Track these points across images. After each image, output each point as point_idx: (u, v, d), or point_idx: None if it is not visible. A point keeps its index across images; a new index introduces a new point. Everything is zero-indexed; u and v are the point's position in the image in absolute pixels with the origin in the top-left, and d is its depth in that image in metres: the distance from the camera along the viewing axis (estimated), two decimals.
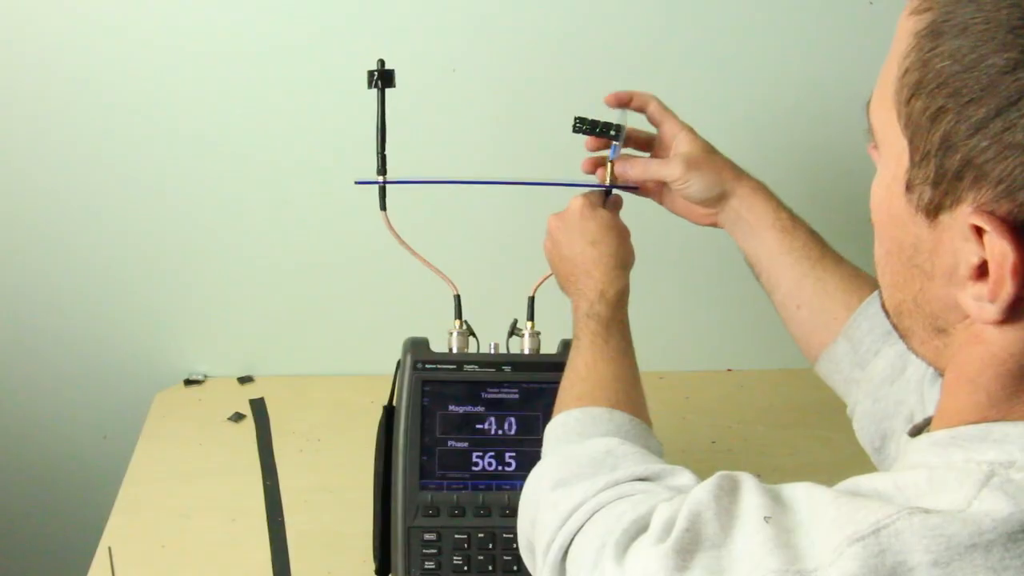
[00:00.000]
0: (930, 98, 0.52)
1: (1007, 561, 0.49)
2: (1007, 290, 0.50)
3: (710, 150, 0.97)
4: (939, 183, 0.52)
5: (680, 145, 0.96)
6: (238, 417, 1.33)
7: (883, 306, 0.63)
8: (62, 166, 1.29)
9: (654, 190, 1.00)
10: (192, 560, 1.09)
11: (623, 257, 0.94)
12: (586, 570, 0.65)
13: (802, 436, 1.31)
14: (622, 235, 0.95)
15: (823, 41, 1.28)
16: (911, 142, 0.54)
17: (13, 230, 1.33)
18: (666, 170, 0.95)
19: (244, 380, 1.42)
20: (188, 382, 1.41)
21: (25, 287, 1.37)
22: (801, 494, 0.57)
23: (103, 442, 1.47)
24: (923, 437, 0.57)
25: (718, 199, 0.96)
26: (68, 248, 1.35)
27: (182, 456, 1.26)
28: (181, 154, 1.29)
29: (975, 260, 0.52)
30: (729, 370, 1.46)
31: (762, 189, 0.96)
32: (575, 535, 0.69)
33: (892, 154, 0.56)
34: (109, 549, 1.09)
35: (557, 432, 0.83)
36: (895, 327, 0.62)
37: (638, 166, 0.97)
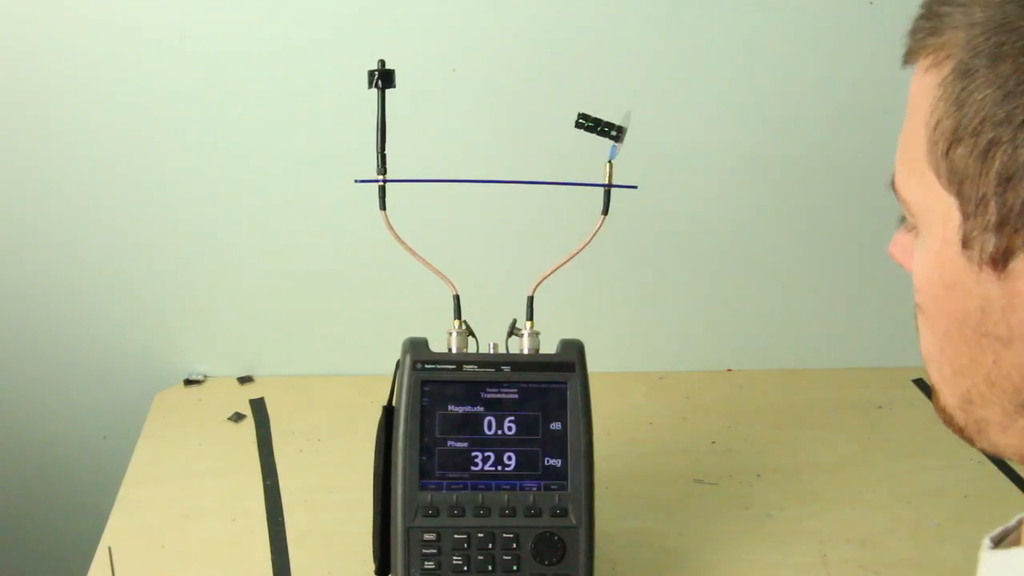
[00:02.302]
0: (975, 136, 0.48)
1: None
2: None
3: None
4: (1004, 224, 0.48)
5: None
6: (238, 417, 1.34)
7: (940, 411, 0.57)
8: (61, 166, 1.29)
9: None
10: (192, 560, 1.09)
11: None
12: None
13: (802, 436, 1.31)
14: None
15: (823, 41, 1.28)
16: (960, 193, 0.49)
17: (13, 230, 1.33)
18: None
19: (244, 380, 1.42)
20: (188, 382, 1.41)
21: (25, 287, 1.37)
22: None
23: (103, 442, 1.47)
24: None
25: None
26: (68, 248, 1.35)
27: (182, 456, 1.26)
28: (181, 154, 1.29)
29: None
30: (729, 370, 1.46)
31: None
32: None
33: (936, 219, 0.52)
34: (109, 549, 1.09)
35: None
36: (960, 431, 0.56)
37: None
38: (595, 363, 1.00)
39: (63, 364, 1.42)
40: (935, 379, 0.56)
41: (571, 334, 1.01)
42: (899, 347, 1.43)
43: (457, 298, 1.02)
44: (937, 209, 0.51)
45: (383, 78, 0.98)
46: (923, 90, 0.52)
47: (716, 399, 1.39)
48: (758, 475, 1.23)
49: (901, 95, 1.39)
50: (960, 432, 0.56)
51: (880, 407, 1.37)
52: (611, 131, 0.97)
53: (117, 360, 1.42)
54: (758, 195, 1.36)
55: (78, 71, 1.24)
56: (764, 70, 1.30)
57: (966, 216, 0.49)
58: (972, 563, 1.14)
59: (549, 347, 1.01)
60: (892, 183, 0.56)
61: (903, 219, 0.56)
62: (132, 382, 1.42)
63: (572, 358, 0.99)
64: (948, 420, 0.57)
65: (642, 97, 1.28)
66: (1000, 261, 0.49)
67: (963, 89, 0.49)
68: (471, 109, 1.29)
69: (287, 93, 1.27)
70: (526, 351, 1.02)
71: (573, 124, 0.98)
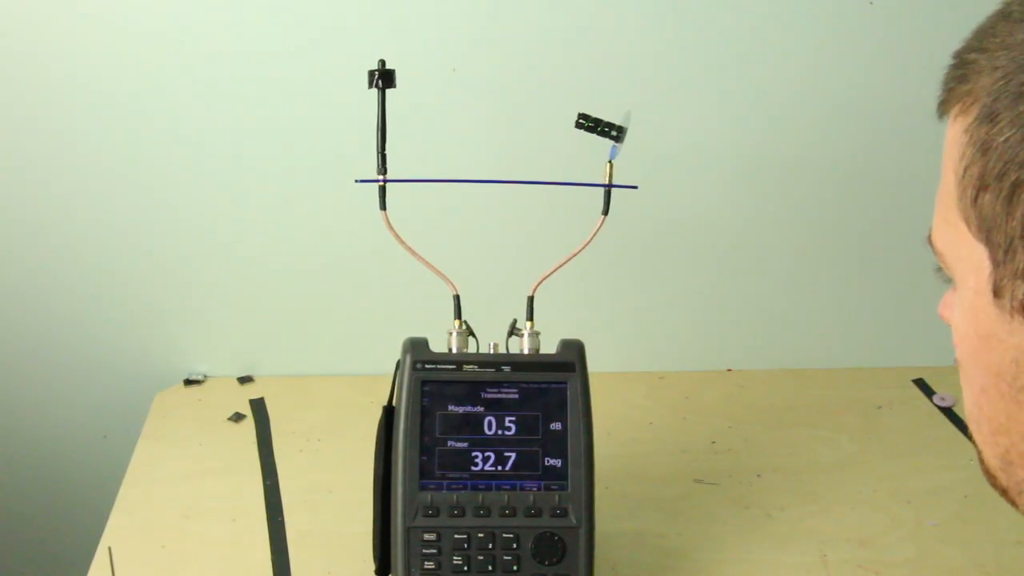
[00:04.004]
0: (1000, 180, 0.47)
1: None
2: None
3: None
4: None
5: None
6: (238, 417, 1.34)
7: (985, 472, 0.55)
8: (61, 165, 1.29)
9: None
10: (192, 560, 1.09)
11: None
12: None
13: (802, 436, 1.31)
14: None
15: (823, 41, 1.28)
16: (988, 240, 0.48)
17: (12, 229, 1.33)
18: None
19: (244, 380, 1.42)
20: (188, 382, 1.41)
21: (24, 287, 1.37)
22: None
23: (103, 442, 1.47)
24: None
25: None
26: (68, 248, 1.35)
27: (182, 456, 1.26)
28: (181, 154, 1.29)
29: None
30: (729, 370, 1.46)
31: None
32: None
33: (968, 269, 0.51)
34: (109, 549, 1.09)
35: None
36: (1004, 493, 0.55)
37: None
38: (595, 363, 1.00)
39: (63, 364, 1.42)
40: (977, 439, 0.55)
41: (571, 334, 1.01)
42: (899, 347, 1.44)
43: (457, 298, 1.02)
44: (969, 259, 0.50)
45: (383, 78, 0.98)
46: (953, 139, 0.51)
47: (716, 399, 1.39)
48: (758, 475, 1.23)
49: (901, 95, 1.39)
50: (1004, 494, 0.55)
51: (880, 407, 1.37)
52: (611, 131, 0.97)
53: (117, 360, 1.42)
54: (758, 195, 1.36)
55: (77, 71, 1.24)
56: (764, 70, 1.30)
57: (996, 264, 0.48)
58: (972, 563, 1.14)
59: (549, 347, 1.01)
60: (929, 237, 0.55)
61: (948, 280, 0.55)
62: (132, 382, 1.42)
63: (572, 358, 0.99)
64: (993, 482, 0.55)
65: (642, 97, 1.28)
66: None
67: (987, 133, 0.48)
68: (471, 109, 1.29)
69: (287, 93, 1.27)
70: (526, 351, 1.02)
71: (573, 124, 0.99)
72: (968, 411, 0.54)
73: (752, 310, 1.44)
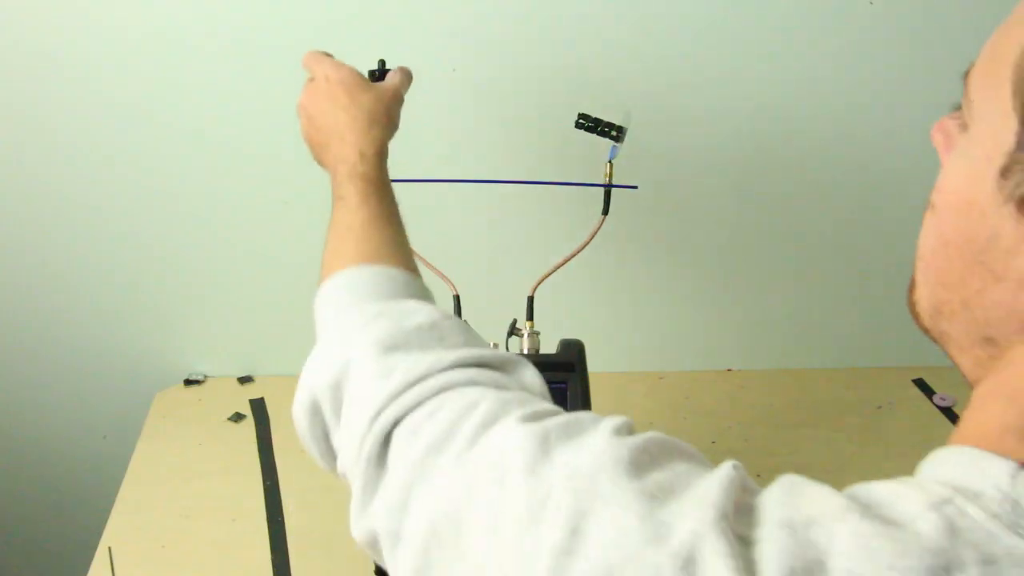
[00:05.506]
0: None
1: None
2: None
3: None
4: None
5: None
6: (238, 417, 1.34)
7: (911, 304, 0.57)
8: (62, 166, 1.29)
9: None
10: (192, 560, 1.09)
11: (377, 115, 0.88)
12: (423, 451, 0.56)
13: (802, 436, 1.31)
14: (377, 94, 0.90)
15: (823, 41, 1.28)
16: None
17: (13, 230, 1.33)
18: None
19: (244, 380, 1.42)
20: (188, 382, 1.41)
21: (25, 287, 1.37)
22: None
23: (103, 442, 1.47)
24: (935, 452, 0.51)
25: None
26: (68, 248, 1.35)
27: (182, 456, 1.26)
28: (181, 154, 1.29)
29: None
30: (729, 370, 1.46)
31: None
32: (413, 409, 0.60)
33: (988, 133, 0.49)
34: (109, 549, 1.09)
35: (346, 288, 0.74)
36: (926, 329, 0.56)
37: None
38: (595, 363, 1.00)
39: (63, 364, 1.42)
40: (919, 276, 0.55)
41: (571, 334, 1.01)
42: (899, 347, 1.44)
43: (457, 298, 1.02)
44: (993, 124, 0.49)
45: (383, 78, 0.98)
46: None
47: (716, 399, 1.39)
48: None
49: (901, 95, 1.39)
50: (927, 332, 0.56)
51: (880, 407, 1.37)
52: (611, 131, 0.98)
53: (117, 360, 1.42)
54: (758, 195, 1.36)
55: (78, 70, 1.24)
56: (764, 70, 1.29)
57: (1020, 147, 0.47)
58: None
59: (549, 347, 1.01)
60: (966, 73, 0.52)
61: (958, 107, 0.53)
62: (132, 382, 1.42)
63: (572, 358, 0.99)
64: (915, 316, 0.56)
65: (642, 97, 1.28)
66: None
67: None
68: (471, 109, 1.29)
69: (288, 93, 1.26)
70: (526, 351, 1.02)
71: (573, 124, 0.99)
72: (922, 248, 0.54)
73: (752, 310, 1.44)
